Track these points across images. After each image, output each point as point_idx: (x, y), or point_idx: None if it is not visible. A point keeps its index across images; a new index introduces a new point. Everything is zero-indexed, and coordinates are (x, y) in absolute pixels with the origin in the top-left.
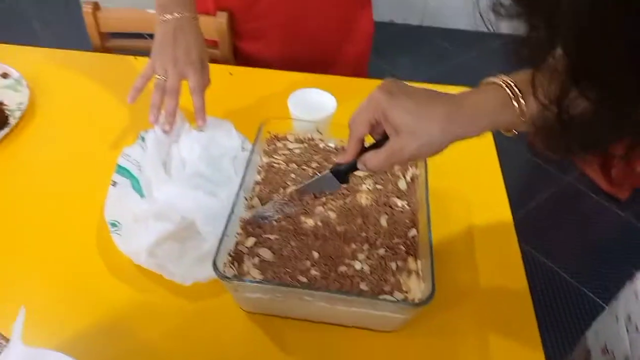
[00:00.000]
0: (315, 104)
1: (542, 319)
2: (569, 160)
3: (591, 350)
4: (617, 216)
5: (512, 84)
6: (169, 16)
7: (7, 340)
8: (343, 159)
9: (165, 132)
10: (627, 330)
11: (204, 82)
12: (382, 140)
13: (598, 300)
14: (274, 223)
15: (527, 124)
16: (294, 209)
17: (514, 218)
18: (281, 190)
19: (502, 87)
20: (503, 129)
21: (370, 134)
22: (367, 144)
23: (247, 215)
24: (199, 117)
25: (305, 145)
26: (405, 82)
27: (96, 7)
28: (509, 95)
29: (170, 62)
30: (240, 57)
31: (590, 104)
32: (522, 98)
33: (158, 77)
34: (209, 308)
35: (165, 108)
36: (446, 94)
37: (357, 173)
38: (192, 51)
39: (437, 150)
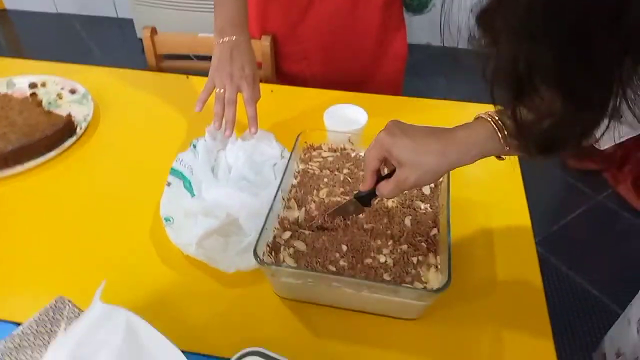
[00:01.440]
0: (348, 118)
1: (567, 332)
2: (602, 179)
3: (606, 355)
4: None
5: (497, 118)
6: (226, 39)
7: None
8: (362, 187)
9: (226, 136)
10: (638, 332)
11: (256, 95)
12: (394, 171)
13: None
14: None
15: (511, 151)
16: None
17: (546, 235)
18: (314, 192)
19: (488, 120)
20: (493, 156)
21: (385, 165)
22: (384, 173)
23: (284, 213)
24: (252, 124)
25: (338, 154)
26: (405, 123)
27: (154, 31)
28: (493, 127)
29: (227, 78)
30: (282, 77)
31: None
32: (505, 130)
33: (218, 90)
34: (248, 294)
35: (226, 116)
36: (442, 129)
37: None
38: (245, 68)
39: (436, 177)
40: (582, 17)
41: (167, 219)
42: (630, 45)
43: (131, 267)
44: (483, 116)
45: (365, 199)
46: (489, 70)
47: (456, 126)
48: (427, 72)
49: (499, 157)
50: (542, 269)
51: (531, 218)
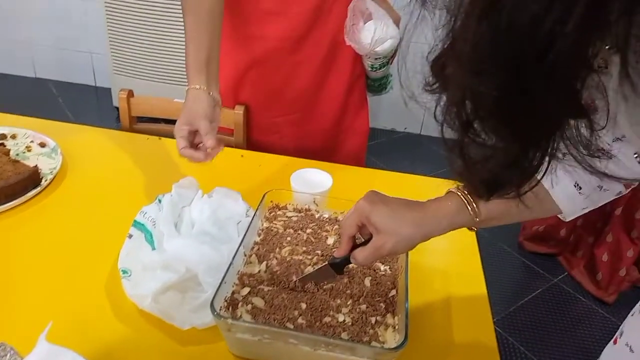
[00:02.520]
0: (314, 181)
1: None
2: (557, 262)
3: None
4: (604, 319)
5: (466, 193)
6: (188, 87)
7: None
8: (337, 253)
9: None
10: None
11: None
12: (369, 239)
13: None
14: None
15: (481, 223)
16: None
17: (503, 315)
18: (277, 249)
19: (457, 195)
20: (463, 228)
21: (360, 234)
22: (358, 242)
23: (244, 268)
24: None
25: (302, 214)
26: (383, 194)
27: (130, 94)
28: (462, 201)
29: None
30: (252, 146)
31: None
32: (474, 203)
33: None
34: (202, 352)
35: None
36: (416, 202)
37: None
38: (198, 112)
39: (411, 246)
40: (518, 53)
41: (124, 271)
42: (555, 88)
43: (82, 319)
44: (453, 190)
45: (338, 266)
46: (439, 111)
47: (429, 200)
48: (390, 156)
49: (470, 229)
50: (500, 348)
51: (488, 297)
